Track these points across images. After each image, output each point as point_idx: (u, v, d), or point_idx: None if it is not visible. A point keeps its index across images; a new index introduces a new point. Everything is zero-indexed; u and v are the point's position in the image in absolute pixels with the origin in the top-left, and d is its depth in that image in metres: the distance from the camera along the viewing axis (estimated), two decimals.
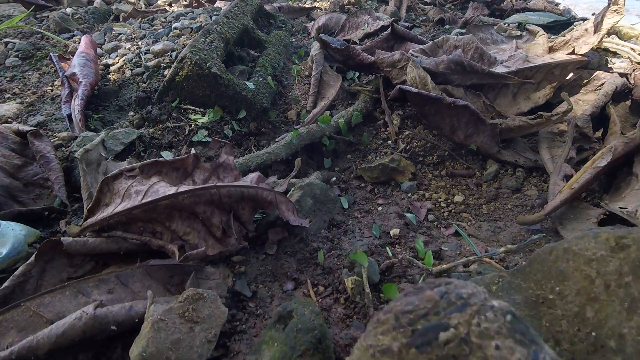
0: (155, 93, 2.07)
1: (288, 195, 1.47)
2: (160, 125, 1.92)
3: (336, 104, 2.18)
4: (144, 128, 1.92)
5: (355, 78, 2.36)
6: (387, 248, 1.16)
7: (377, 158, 1.83)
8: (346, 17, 3.23)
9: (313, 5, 3.91)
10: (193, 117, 1.94)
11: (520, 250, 0.99)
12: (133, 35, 2.88)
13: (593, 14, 3.85)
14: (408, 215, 1.38)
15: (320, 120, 1.79)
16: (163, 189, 1.04)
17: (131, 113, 2.03)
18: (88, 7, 3.93)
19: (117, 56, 2.56)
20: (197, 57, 1.88)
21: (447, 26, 3.46)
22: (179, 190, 1.02)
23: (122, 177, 1.09)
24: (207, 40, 2.06)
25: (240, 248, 1.10)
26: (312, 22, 3.46)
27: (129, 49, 2.61)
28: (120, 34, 2.97)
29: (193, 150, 1.61)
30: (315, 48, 2.41)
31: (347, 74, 2.40)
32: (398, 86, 1.81)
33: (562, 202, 1.29)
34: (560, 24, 3.40)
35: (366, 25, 3.12)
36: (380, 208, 1.55)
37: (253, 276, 1.12)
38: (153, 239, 1.04)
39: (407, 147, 1.84)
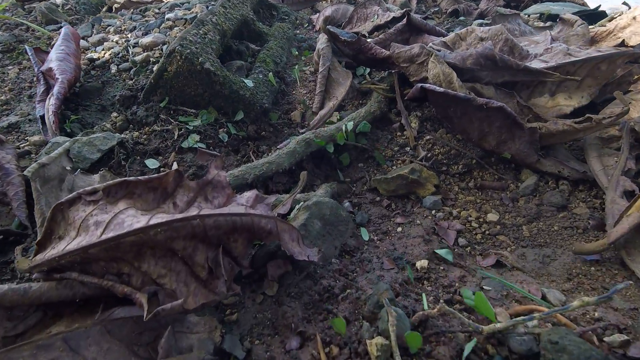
0: (141, 91, 1.84)
1: (292, 215, 1.23)
2: (147, 129, 1.68)
3: (345, 104, 1.94)
4: (127, 131, 1.68)
5: (366, 74, 2.11)
6: (424, 296, 0.91)
7: (394, 167, 1.58)
8: (354, 8, 2.99)
9: None
10: (183, 119, 1.70)
11: (599, 303, 0.75)
12: (122, 27, 2.64)
13: (625, 3, 3.57)
14: (440, 251, 1.13)
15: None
16: (130, 219, 0.80)
17: (114, 114, 1.80)
18: None
19: (103, 49, 2.32)
20: (188, 50, 1.64)
21: (461, 18, 3.20)
22: (150, 222, 0.78)
23: (80, 202, 0.85)
24: (201, 32, 1.82)
25: (230, 295, 0.87)
26: (317, 14, 3.21)
27: (116, 42, 2.37)
28: (109, 25, 2.72)
29: (175, 166, 1.37)
30: (322, 41, 2.15)
31: (357, 70, 2.14)
32: (420, 85, 1.56)
33: (631, 228, 1.05)
34: (586, 15, 3.12)
35: (375, 16, 2.87)
36: (400, 229, 1.31)
37: (247, 327, 0.89)
38: (117, 283, 0.80)
39: (429, 155, 1.60)
